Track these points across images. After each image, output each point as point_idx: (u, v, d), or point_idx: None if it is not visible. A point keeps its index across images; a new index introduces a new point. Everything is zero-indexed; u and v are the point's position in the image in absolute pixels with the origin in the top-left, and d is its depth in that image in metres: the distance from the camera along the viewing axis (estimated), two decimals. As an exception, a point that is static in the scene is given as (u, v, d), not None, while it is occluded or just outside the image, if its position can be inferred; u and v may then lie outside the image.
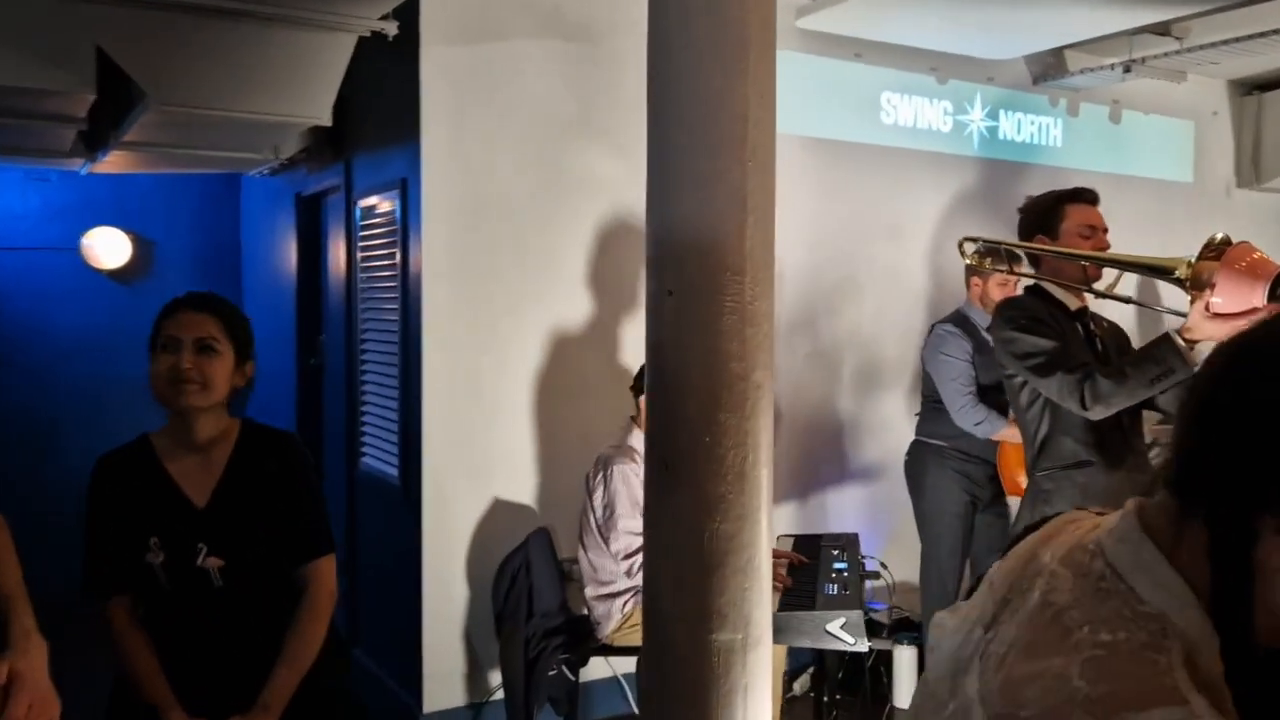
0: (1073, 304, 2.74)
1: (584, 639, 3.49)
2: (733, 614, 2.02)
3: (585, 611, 3.54)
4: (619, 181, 3.91)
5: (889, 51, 4.62)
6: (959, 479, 3.98)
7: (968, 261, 2.81)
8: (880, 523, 4.57)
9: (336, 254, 4.73)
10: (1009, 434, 3.78)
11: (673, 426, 2.03)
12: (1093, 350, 2.69)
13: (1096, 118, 5.32)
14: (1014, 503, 4.16)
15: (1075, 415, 2.55)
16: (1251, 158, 5.81)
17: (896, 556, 4.16)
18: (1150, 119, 5.48)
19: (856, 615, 2.86)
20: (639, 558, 3.28)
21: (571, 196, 3.90)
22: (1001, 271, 2.72)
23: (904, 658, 3.59)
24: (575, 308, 3.93)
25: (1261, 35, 4.39)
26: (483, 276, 3.76)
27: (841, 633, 2.83)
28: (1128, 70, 4.74)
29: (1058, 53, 4.98)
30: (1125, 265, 2.40)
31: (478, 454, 3.78)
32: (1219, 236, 2.27)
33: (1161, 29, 4.58)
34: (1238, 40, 4.52)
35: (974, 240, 2.71)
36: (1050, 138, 5.16)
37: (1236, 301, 2.18)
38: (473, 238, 3.74)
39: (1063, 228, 2.71)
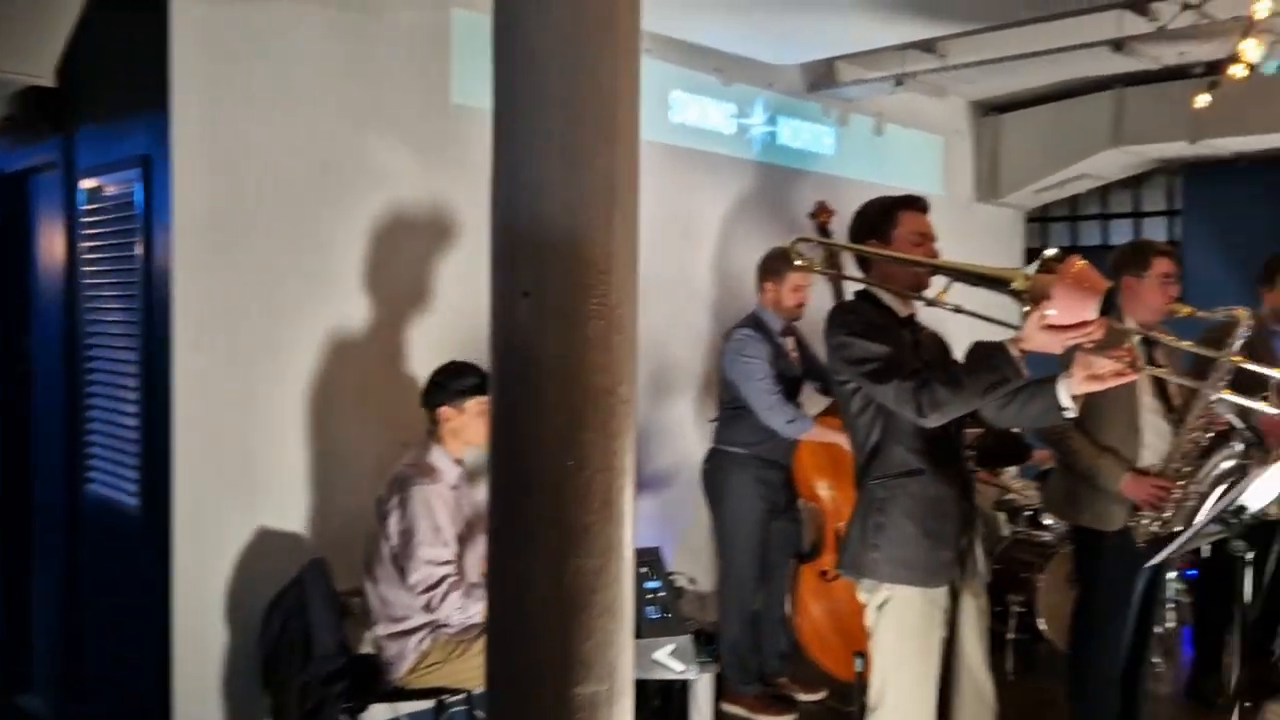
0: (901, 311, 2.72)
1: (371, 683, 3.10)
2: (598, 662, 1.76)
3: (371, 652, 3.15)
4: (406, 172, 3.54)
5: (678, 48, 4.52)
6: (759, 486, 3.93)
7: (798, 263, 2.70)
8: (671, 533, 4.45)
9: (50, 243, 4.01)
10: (818, 434, 3.76)
11: (527, 448, 1.75)
12: (919, 358, 2.66)
13: (863, 129, 5.48)
14: (805, 507, 4.18)
15: (906, 423, 2.52)
16: (990, 174, 6.23)
17: (691, 568, 4.05)
18: (908, 133, 5.73)
19: (685, 640, 2.68)
20: (440, 590, 2.95)
21: (354, 186, 3.48)
22: (831, 275, 2.63)
23: (703, 685, 3.37)
24: (358, 310, 3.51)
25: (1016, 58, 4.66)
26: (249, 273, 3.27)
27: (671, 660, 2.65)
28: (899, 83, 4.91)
29: (830, 63, 5.09)
30: (962, 275, 2.38)
31: (241, 476, 3.28)
32: (1052, 252, 2.29)
33: (927, 46, 4.76)
34: (993, 61, 4.78)
35: (808, 240, 2.61)
36: (824, 146, 5.26)
37: (1070, 314, 2.20)
38: (236, 229, 3.24)
39: (895, 234, 2.69)
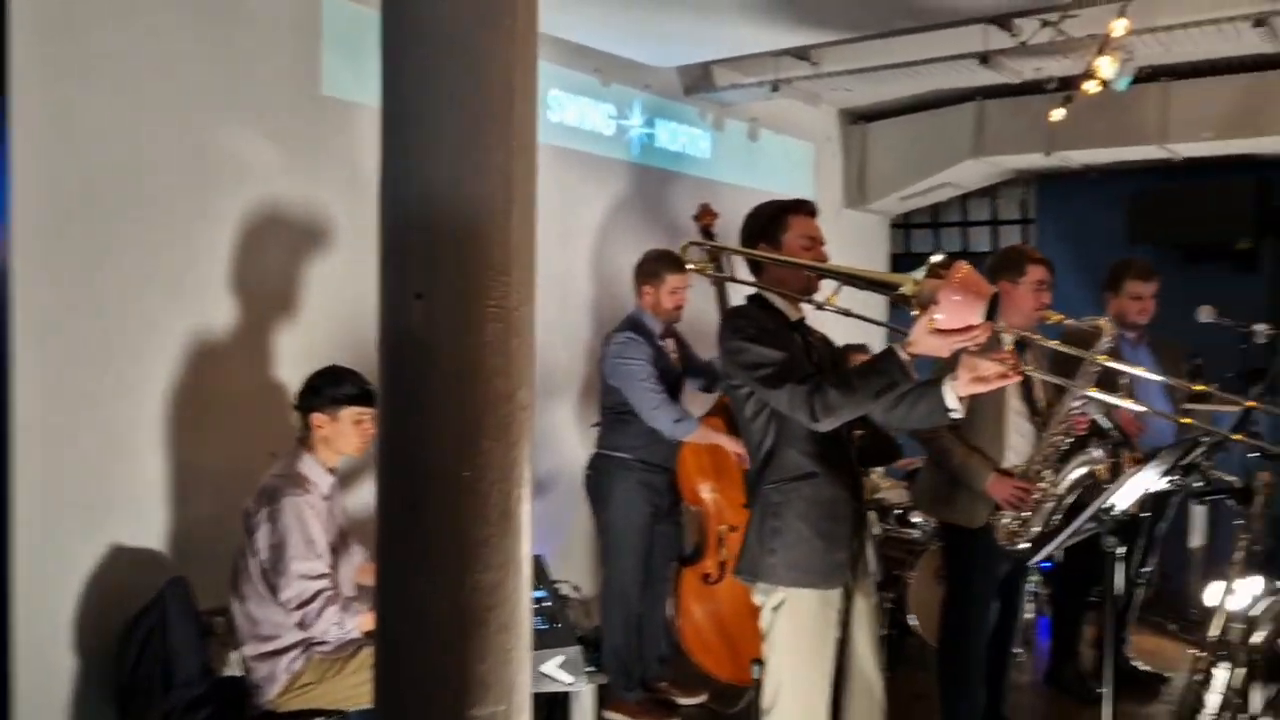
0: (793, 315, 2.73)
1: (238, 708, 2.91)
2: (496, 683, 1.68)
3: (238, 674, 2.97)
4: (272, 166, 3.36)
5: (557, 47, 4.45)
6: (643, 490, 3.90)
7: (690, 266, 2.68)
8: (552, 541, 4.37)
9: None
10: (703, 435, 3.75)
11: (420, 458, 1.66)
12: (810, 360, 2.68)
13: (738, 133, 5.53)
14: (688, 510, 4.17)
15: (799, 427, 2.53)
16: (858, 181, 6.38)
17: (572, 575, 3.99)
18: (781, 139, 5.82)
19: (574, 651, 2.62)
20: (315, 605, 2.80)
21: (216, 178, 3.28)
22: (724, 279, 2.61)
23: (586, 694, 3.29)
24: (221, 312, 3.31)
25: (887, 67, 4.78)
26: (100, 270, 3.04)
27: (560, 673, 2.58)
28: (776, 89, 4.96)
29: (707, 67, 5.11)
30: (852, 279, 2.39)
31: (91, 489, 3.04)
32: (940, 257, 2.32)
33: (801, 53, 4.83)
34: (865, 71, 4.89)
35: (699, 244, 2.58)
36: (700, 149, 5.28)
37: (957, 319, 2.22)
38: (85, 222, 3.01)
39: (785, 238, 2.70)
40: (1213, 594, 4.76)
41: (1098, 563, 3.42)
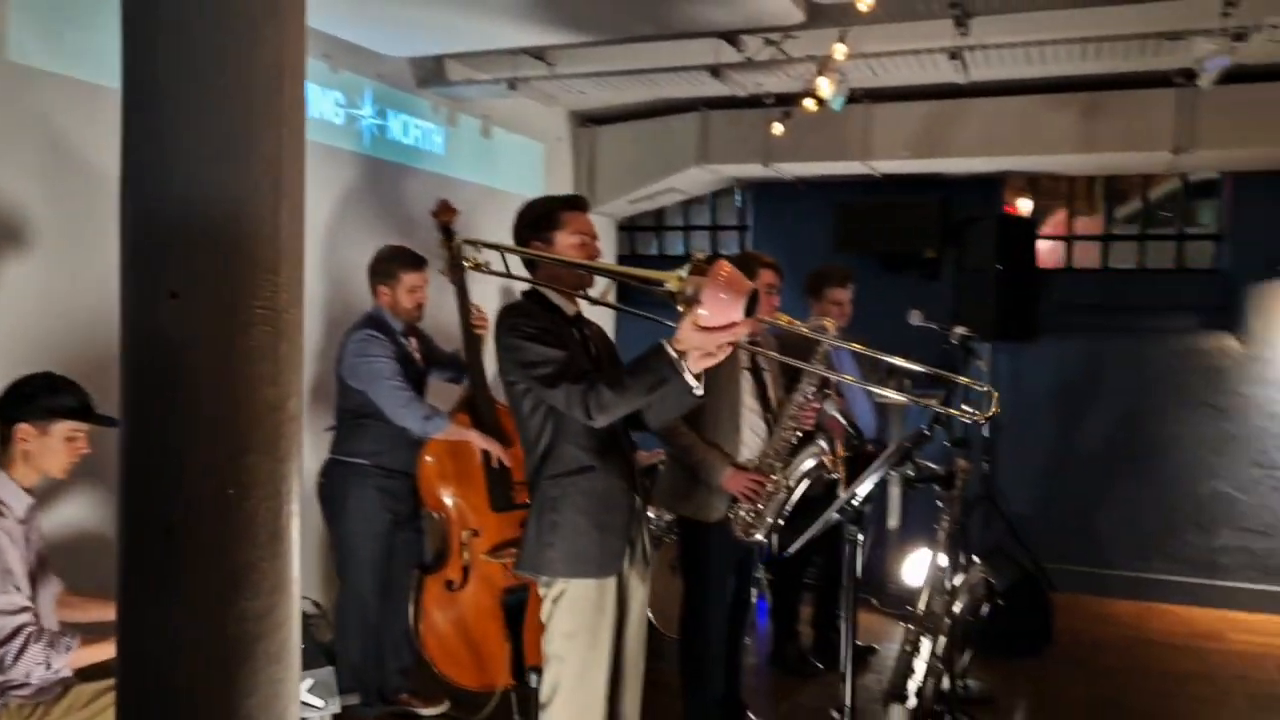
0: (569, 309, 2.76)
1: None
2: (265, 719, 1.54)
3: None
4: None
5: (283, 28, 4.16)
6: (381, 497, 3.74)
7: (468, 264, 2.58)
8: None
9: None
10: (453, 431, 3.65)
11: (177, 477, 1.49)
12: (588, 355, 2.72)
13: (471, 130, 5.44)
14: (429, 517, 4.04)
15: (576, 423, 2.57)
16: (588, 183, 6.47)
17: (305, 589, 3.74)
18: (513, 137, 5.79)
19: (326, 673, 2.46)
20: (16, 644, 2.45)
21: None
22: (499, 275, 2.55)
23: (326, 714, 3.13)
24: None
25: (623, 73, 4.87)
26: None
27: (310, 697, 2.41)
28: (513, 87, 4.92)
29: (440, 60, 4.99)
30: (623, 276, 2.42)
31: None
32: (703, 255, 2.38)
33: (538, 54, 4.83)
34: (601, 75, 4.96)
35: (473, 243, 2.50)
36: (434, 143, 5.14)
37: (720, 316, 2.29)
38: None
39: (559, 234, 2.70)
40: (911, 570, 5.28)
41: (810, 548, 3.71)
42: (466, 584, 3.78)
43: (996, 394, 2.65)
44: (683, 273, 2.31)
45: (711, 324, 2.29)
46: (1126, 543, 6.07)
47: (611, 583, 2.66)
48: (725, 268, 2.29)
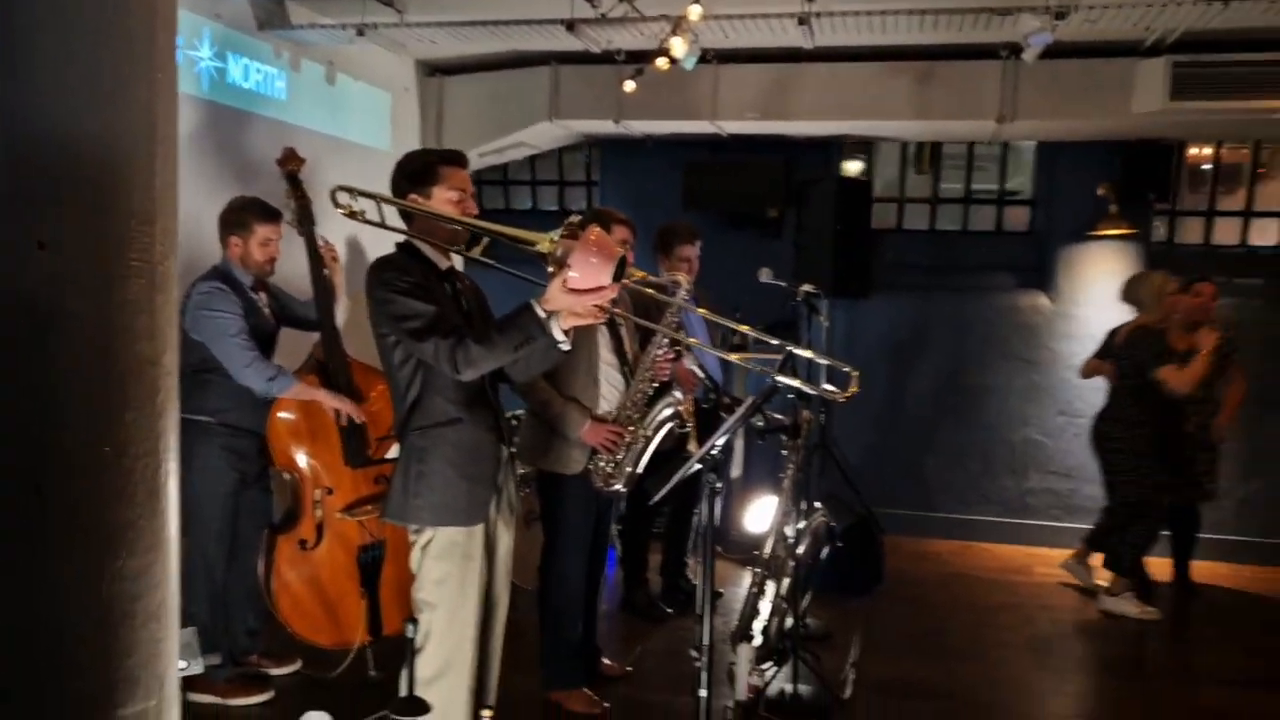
0: (442, 264, 2.76)
1: None
2: (145, 676, 1.53)
3: None
4: None
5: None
6: (228, 456, 3.62)
7: (341, 211, 2.52)
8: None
9: None
10: (299, 391, 3.57)
11: (47, 434, 1.44)
12: (459, 309, 2.74)
13: (315, 76, 5.26)
14: (279, 476, 3.95)
15: (445, 376, 2.61)
16: (435, 134, 6.36)
17: (149, 551, 3.60)
18: (359, 85, 5.62)
19: (189, 633, 2.38)
20: None
21: None
22: (374, 224, 2.52)
23: None
24: None
25: (477, 24, 4.81)
26: None
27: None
28: (360, 33, 4.78)
29: (281, 2, 4.79)
30: (497, 234, 2.44)
31: None
32: (577, 218, 2.43)
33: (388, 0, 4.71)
34: (452, 25, 4.88)
35: (349, 190, 2.44)
36: (276, 89, 4.94)
37: (589, 279, 2.35)
38: None
39: (436, 189, 2.70)
40: (756, 518, 5.53)
41: (661, 499, 3.84)
42: (320, 543, 3.73)
43: (858, 373, 2.80)
44: (555, 235, 2.36)
45: (580, 286, 2.35)
46: (949, 487, 6.53)
47: (479, 530, 2.72)
48: (595, 232, 2.35)
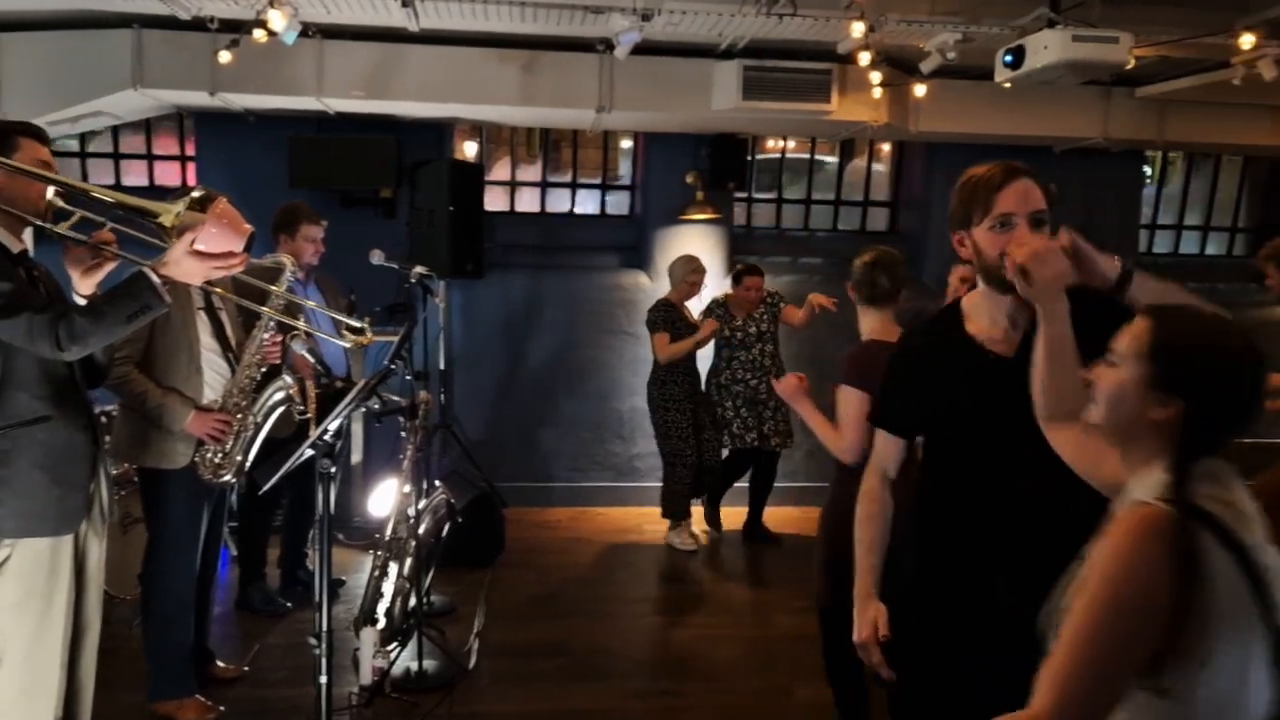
0: (15, 247, 2.48)
1: None
2: None
3: None
4: None
5: None
6: None
7: None
8: None
9: None
10: None
11: None
12: (40, 294, 2.48)
13: None
14: None
15: (30, 369, 2.39)
16: (-9, 97, 5.59)
17: None
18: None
19: None
20: None
21: None
22: None
23: None
24: None
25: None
26: None
27: None
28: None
29: None
30: (113, 207, 2.26)
31: None
32: (200, 193, 2.33)
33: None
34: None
35: None
36: None
37: (220, 245, 2.28)
38: None
39: (15, 159, 2.40)
40: (378, 502, 5.49)
41: (279, 490, 3.71)
42: None
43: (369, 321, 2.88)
44: (179, 208, 2.26)
45: (210, 250, 2.27)
46: (564, 456, 6.88)
47: (67, 541, 2.50)
48: (222, 203, 2.30)
